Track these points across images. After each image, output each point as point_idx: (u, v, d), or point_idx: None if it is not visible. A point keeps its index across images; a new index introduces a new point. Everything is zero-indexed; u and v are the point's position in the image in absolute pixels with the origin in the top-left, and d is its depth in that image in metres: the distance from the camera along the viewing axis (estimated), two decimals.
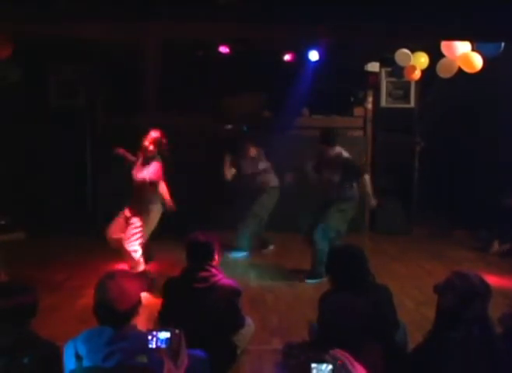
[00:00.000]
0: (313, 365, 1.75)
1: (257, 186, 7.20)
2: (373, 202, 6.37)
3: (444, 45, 6.10)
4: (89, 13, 4.11)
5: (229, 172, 7.14)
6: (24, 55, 7.45)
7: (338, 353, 1.77)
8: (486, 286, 2.82)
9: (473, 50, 6.00)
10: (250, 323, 4.15)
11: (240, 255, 7.09)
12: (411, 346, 3.45)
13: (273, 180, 7.27)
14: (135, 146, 6.33)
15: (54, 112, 8.36)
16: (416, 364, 2.81)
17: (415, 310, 5.14)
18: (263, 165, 7.23)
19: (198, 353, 3.22)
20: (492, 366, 2.65)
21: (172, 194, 7.23)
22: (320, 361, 1.75)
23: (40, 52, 7.76)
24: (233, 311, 3.81)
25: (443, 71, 6.51)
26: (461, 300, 2.75)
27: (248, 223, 7.21)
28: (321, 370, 1.74)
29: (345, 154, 6.23)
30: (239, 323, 3.93)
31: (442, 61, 6.49)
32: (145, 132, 6.04)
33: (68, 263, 6.63)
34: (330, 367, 1.74)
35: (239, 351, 4.00)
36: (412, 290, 5.78)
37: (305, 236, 6.46)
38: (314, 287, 5.67)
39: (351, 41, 6.50)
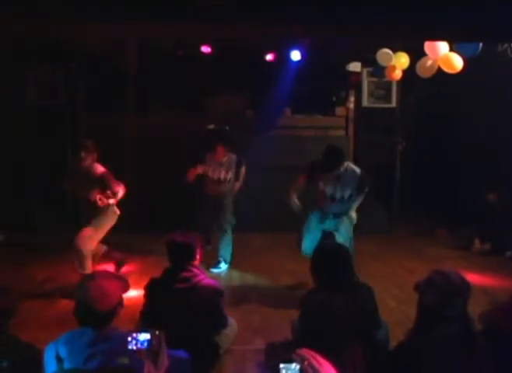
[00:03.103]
0: (282, 365, 1.74)
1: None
2: (354, 215, 6.00)
3: (427, 45, 6.13)
4: (65, 13, 4.08)
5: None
6: (4, 54, 7.39)
7: (305, 352, 1.76)
8: (467, 284, 2.85)
9: (451, 50, 6.04)
10: (232, 323, 4.15)
11: (223, 268, 6.67)
12: (392, 344, 3.47)
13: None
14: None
15: (34, 112, 8.27)
16: (398, 363, 2.82)
17: (396, 308, 5.17)
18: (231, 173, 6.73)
19: (181, 353, 3.21)
20: (473, 363, 2.68)
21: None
22: (289, 361, 1.74)
23: (18, 52, 7.68)
24: (216, 312, 3.81)
25: (423, 71, 6.56)
26: (441, 298, 2.77)
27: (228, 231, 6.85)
28: (290, 369, 1.73)
29: (358, 169, 5.70)
30: (221, 323, 3.92)
31: (421, 61, 6.53)
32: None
33: (48, 264, 6.57)
34: (299, 366, 1.73)
35: (222, 351, 4.00)
36: (393, 288, 5.81)
37: None
38: (298, 286, 5.68)
39: (330, 41, 6.52)
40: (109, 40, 7.08)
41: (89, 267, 5.62)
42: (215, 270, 6.47)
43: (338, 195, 5.63)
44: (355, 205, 5.83)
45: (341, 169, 5.53)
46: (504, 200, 7.57)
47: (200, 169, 6.56)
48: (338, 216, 5.78)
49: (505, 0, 4.26)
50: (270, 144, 8.13)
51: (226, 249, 6.70)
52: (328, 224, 5.83)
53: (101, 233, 5.79)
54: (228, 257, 6.71)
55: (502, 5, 4.22)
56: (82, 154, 5.69)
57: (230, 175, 6.67)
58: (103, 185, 5.64)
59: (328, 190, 5.64)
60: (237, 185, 6.80)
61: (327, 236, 5.87)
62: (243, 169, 6.79)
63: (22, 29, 4.79)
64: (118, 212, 5.86)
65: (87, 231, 5.65)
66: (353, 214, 5.86)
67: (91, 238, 5.68)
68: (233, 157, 6.66)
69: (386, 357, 2.99)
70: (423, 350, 2.71)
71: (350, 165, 5.69)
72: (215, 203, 6.70)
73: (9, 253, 6.97)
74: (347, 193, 5.62)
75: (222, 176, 6.64)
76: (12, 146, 8.06)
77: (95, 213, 5.71)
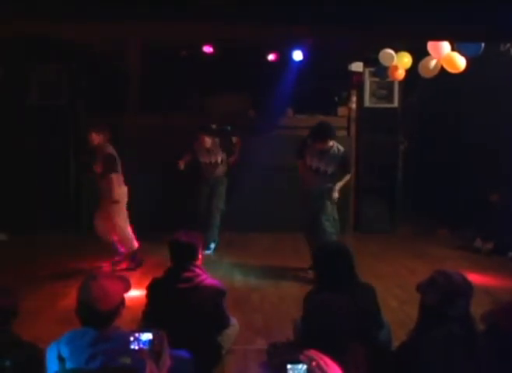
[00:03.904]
0: (289, 366, 1.75)
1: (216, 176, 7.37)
2: (336, 195, 6.33)
3: (431, 45, 6.11)
4: (67, 13, 4.08)
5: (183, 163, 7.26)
6: (5, 55, 7.39)
7: (312, 353, 1.77)
8: (469, 284, 2.84)
9: (453, 50, 6.02)
10: (234, 323, 4.14)
11: (209, 251, 7.13)
12: (395, 344, 3.47)
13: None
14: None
15: (36, 112, 8.27)
16: (400, 363, 2.81)
17: (398, 309, 5.16)
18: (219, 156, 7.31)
19: (183, 353, 3.21)
20: (475, 364, 2.67)
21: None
22: (296, 362, 1.75)
23: (19, 52, 7.68)
24: (218, 312, 3.80)
25: (425, 71, 6.55)
26: (443, 298, 2.77)
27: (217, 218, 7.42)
28: (297, 369, 1.74)
29: (342, 149, 6.27)
30: (223, 323, 3.92)
31: (423, 61, 6.51)
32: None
33: (50, 264, 6.57)
34: (305, 366, 1.74)
35: (224, 351, 3.99)
36: (395, 288, 5.81)
37: (305, 231, 6.40)
38: (300, 286, 5.68)
39: (331, 41, 6.52)
40: (109, 40, 7.08)
41: (132, 246, 6.39)
42: (206, 252, 6.76)
43: (322, 168, 6.23)
44: (339, 185, 6.32)
45: (328, 145, 6.13)
46: (505, 200, 7.57)
47: (187, 158, 7.27)
48: (321, 195, 6.23)
49: (505, 0, 4.25)
50: (271, 145, 8.13)
51: (213, 232, 7.36)
52: (314, 205, 6.23)
53: (122, 212, 6.37)
54: (216, 239, 7.40)
55: (502, 5, 4.21)
56: (93, 134, 6.26)
57: (220, 157, 7.28)
58: (106, 164, 6.25)
59: (314, 163, 6.25)
60: (232, 159, 7.44)
61: (314, 217, 6.22)
62: (234, 140, 7.50)
63: (22, 29, 4.79)
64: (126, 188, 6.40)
65: (117, 223, 6.31)
66: (335, 194, 6.31)
67: (122, 222, 6.36)
68: (216, 140, 7.23)
69: (388, 358, 2.99)
70: (424, 349, 2.70)
71: (336, 144, 6.24)
72: (210, 189, 7.34)
73: (10, 253, 6.97)
74: (330, 169, 6.22)
75: (212, 160, 7.29)
76: (12, 146, 8.07)
77: (107, 190, 6.24)
